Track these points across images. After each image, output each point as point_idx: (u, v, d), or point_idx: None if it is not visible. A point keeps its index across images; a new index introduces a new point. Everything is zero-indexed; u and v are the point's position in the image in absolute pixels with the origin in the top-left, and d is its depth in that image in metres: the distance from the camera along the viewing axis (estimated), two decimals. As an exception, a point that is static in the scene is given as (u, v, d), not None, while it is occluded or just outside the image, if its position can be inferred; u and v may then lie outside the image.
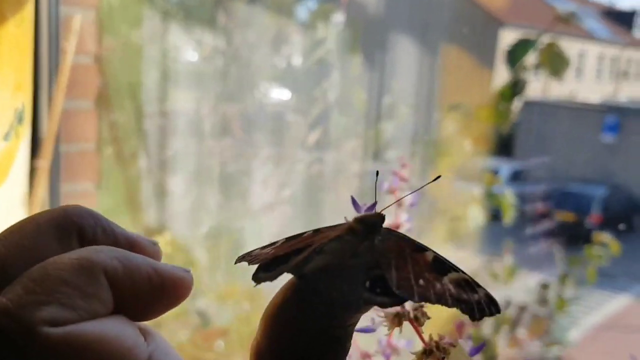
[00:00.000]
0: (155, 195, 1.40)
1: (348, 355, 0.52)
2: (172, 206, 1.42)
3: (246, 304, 1.34)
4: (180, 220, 1.42)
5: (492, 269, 1.73)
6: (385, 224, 0.41)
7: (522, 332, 1.94)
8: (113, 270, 0.24)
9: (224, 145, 1.48)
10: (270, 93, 1.54)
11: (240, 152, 1.49)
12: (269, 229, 1.46)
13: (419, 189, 0.36)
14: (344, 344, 0.28)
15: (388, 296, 0.25)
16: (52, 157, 1.04)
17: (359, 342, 0.47)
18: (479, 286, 0.26)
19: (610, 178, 4.16)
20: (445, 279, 0.26)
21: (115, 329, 0.23)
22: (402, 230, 0.41)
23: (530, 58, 1.21)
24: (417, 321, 0.31)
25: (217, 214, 1.43)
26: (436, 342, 0.30)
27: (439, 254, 0.27)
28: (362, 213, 0.31)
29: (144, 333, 0.25)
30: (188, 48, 1.48)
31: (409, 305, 0.31)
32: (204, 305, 1.28)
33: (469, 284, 0.26)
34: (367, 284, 0.26)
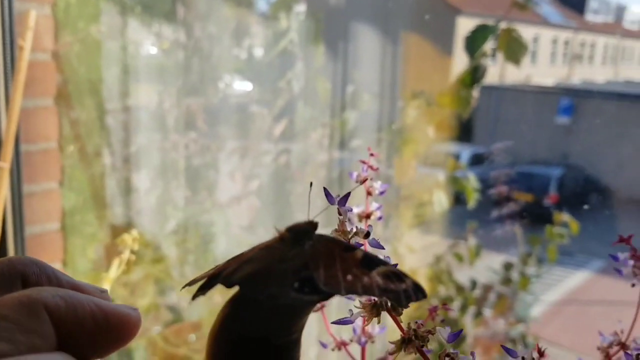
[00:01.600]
0: (121, 191, 1.38)
1: (326, 345, 0.52)
2: (138, 202, 1.40)
3: (217, 297, 1.33)
4: (146, 216, 1.41)
5: (457, 251, 1.76)
6: (356, 212, 0.42)
7: (487, 312, 1.99)
8: (55, 307, 0.24)
9: (188, 139, 1.47)
10: (234, 85, 1.54)
11: (206, 145, 1.48)
12: (237, 221, 1.46)
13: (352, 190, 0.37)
14: (291, 354, 0.28)
15: (316, 294, 0.26)
16: (13, 157, 1.01)
17: (334, 331, 0.48)
18: (407, 276, 0.27)
19: (566, 159, 4.27)
20: (374, 273, 0.27)
21: None
22: (372, 218, 0.42)
23: (489, 44, 1.24)
24: (395, 311, 0.32)
25: (184, 209, 1.43)
26: (415, 331, 0.31)
27: (369, 252, 0.29)
28: (334, 203, 0.33)
29: None
30: (148, 42, 1.46)
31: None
32: (175, 300, 1.27)
33: (396, 275, 0.27)
34: (296, 284, 0.26)
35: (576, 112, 4.35)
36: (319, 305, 0.53)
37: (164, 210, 1.43)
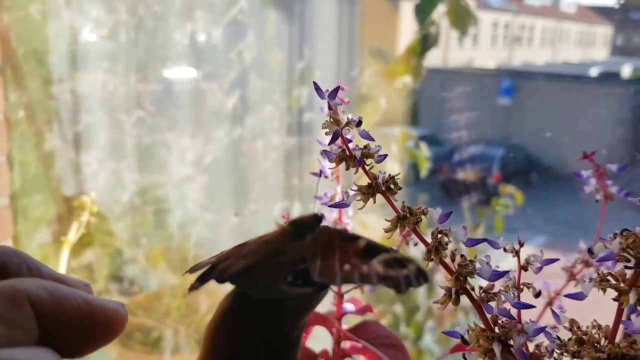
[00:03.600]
0: (70, 170, 1.35)
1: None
2: (89, 180, 1.38)
3: (173, 273, 1.33)
4: (98, 194, 1.38)
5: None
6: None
7: (438, 282, 2.03)
8: (38, 299, 0.22)
9: (137, 117, 1.45)
10: (182, 62, 1.51)
11: (155, 123, 1.46)
12: (192, 196, 1.45)
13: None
14: (291, 353, 0.27)
15: (310, 286, 0.25)
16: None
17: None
18: (410, 261, 0.27)
19: (508, 138, 4.39)
20: (374, 261, 0.26)
21: (37, 358, 0.21)
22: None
23: (438, 13, 1.26)
24: (390, 191, 0.33)
25: (136, 185, 1.41)
26: (409, 208, 0.32)
27: (372, 241, 0.28)
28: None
29: None
30: (92, 21, 1.42)
31: (380, 177, 0.33)
32: (131, 273, 1.26)
33: (398, 261, 0.26)
34: (290, 277, 0.26)
35: (517, 93, 4.48)
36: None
37: (116, 188, 1.41)
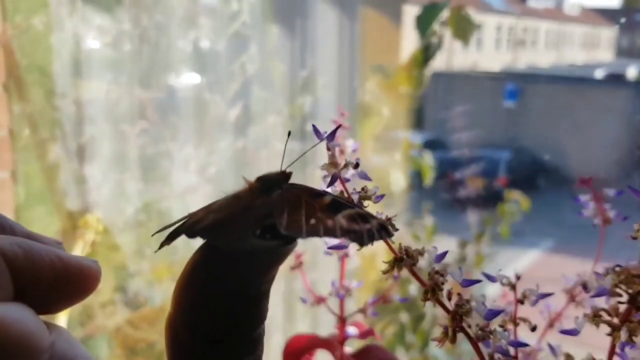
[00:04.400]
0: (74, 182, 1.36)
1: (305, 300, 0.53)
2: (92, 193, 1.38)
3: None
4: (102, 207, 1.39)
5: (414, 230, 1.79)
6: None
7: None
8: (13, 255, 0.23)
9: (140, 129, 1.45)
10: (185, 72, 1.52)
11: (159, 134, 1.47)
12: (196, 208, 1.45)
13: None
14: (259, 304, 0.27)
15: (277, 239, 0.26)
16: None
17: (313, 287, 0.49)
18: (374, 217, 0.27)
19: (513, 142, 4.38)
20: (339, 216, 0.27)
21: (15, 313, 0.22)
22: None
23: (439, 23, 1.26)
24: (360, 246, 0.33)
25: (139, 197, 1.41)
26: (406, 250, 0.32)
27: (338, 197, 0.29)
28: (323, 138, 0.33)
29: (47, 324, 0.24)
30: (95, 32, 1.43)
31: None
32: (136, 287, 1.26)
33: (362, 216, 0.27)
34: (258, 231, 0.26)
35: (522, 96, 4.47)
36: (297, 262, 0.54)
37: (120, 200, 1.41)
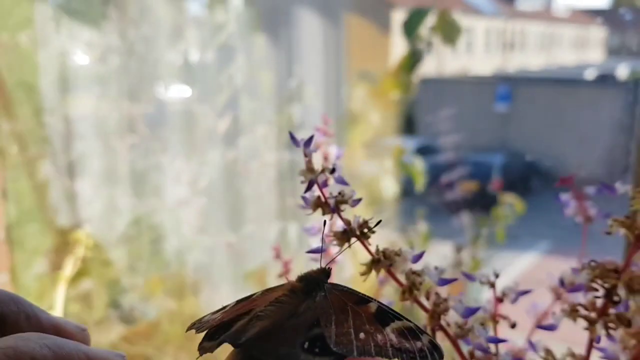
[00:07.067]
0: (65, 199, 1.35)
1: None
2: (84, 209, 1.38)
3: (171, 301, 1.33)
4: (94, 223, 1.38)
5: (407, 237, 1.79)
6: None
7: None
8: (42, 359, 0.22)
9: (130, 143, 1.45)
10: (174, 85, 1.52)
11: (149, 148, 1.46)
12: (188, 221, 1.45)
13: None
14: None
15: (327, 355, 0.25)
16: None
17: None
18: (423, 332, 0.26)
19: (506, 145, 4.39)
20: (388, 329, 0.26)
21: None
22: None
23: (425, 28, 1.26)
24: (364, 236, 0.33)
25: (132, 212, 1.41)
26: (383, 252, 0.32)
27: (383, 304, 0.28)
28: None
29: None
30: (82, 47, 1.43)
31: (354, 222, 0.33)
32: (129, 302, 1.25)
33: (412, 331, 0.26)
34: (305, 344, 0.25)
35: (513, 99, 4.49)
36: (285, 269, 0.54)
37: (111, 215, 1.41)
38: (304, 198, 0.34)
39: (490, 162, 4.16)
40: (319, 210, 0.46)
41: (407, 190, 1.76)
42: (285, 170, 1.49)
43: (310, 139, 0.33)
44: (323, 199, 0.33)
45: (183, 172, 1.48)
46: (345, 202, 0.34)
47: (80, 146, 1.39)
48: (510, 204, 2.14)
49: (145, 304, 1.28)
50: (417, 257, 0.32)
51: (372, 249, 0.33)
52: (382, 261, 0.32)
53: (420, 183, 1.49)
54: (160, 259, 1.35)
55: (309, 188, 0.34)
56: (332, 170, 0.34)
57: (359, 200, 0.33)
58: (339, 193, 0.34)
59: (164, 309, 1.27)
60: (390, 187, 1.50)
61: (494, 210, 2.08)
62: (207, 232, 1.48)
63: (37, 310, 0.26)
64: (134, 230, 1.35)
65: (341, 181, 0.34)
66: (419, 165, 1.44)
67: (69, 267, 0.76)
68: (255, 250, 1.47)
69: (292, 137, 0.33)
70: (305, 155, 0.34)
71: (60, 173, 1.36)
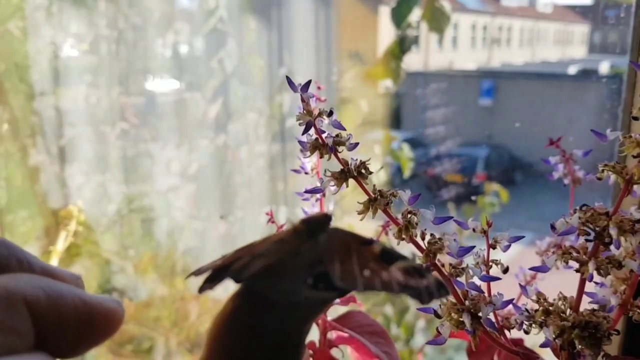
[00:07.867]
0: (56, 184, 1.36)
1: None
2: (74, 194, 1.38)
3: (162, 283, 1.34)
4: (85, 208, 1.39)
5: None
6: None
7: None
8: (35, 300, 0.21)
9: (121, 129, 1.46)
10: (164, 72, 1.52)
11: (139, 134, 1.47)
12: (178, 205, 1.46)
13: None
14: (300, 350, 0.26)
15: (331, 290, 0.25)
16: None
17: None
18: (428, 271, 0.26)
19: (491, 139, 4.43)
20: (393, 268, 0.26)
21: None
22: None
23: (415, 16, 1.28)
24: (361, 176, 0.35)
25: (122, 195, 1.41)
26: (380, 191, 0.34)
27: (387, 246, 0.27)
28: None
29: None
30: (73, 36, 1.43)
31: (352, 163, 0.35)
32: (121, 283, 1.27)
33: (417, 270, 0.26)
34: (310, 281, 0.25)
35: (498, 93, 4.53)
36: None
37: (102, 200, 1.41)
38: (300, 142, 0.35)
39: (475, 156, 4.18)
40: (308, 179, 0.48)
41: (393, 182, 1.77)
42: (276, 156, 1.51)
43: (308, 83, 0.35)
44: (321, 141, 0.34)
45: (173, 158, 1.49)
46: (342, 143, 0.34)
47: (70, 132, 1.40)
48: (496, 192, 2.17)
49: (136, 285, 1.29)
50: (414, 199, 0.34)
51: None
52: (379, 200, 0.33)
53: (408, 169, 1.50)
54: (151, 240, 1.36)
55: (306, 130, 0.35)
56: (330, 113, 0.35)
57: (357, 144, 0.35)
58: (337, 135, 0.35)
59: (155, 290, 1.28)
60: (378, 175, 1.52)
61: (480, 198, 2.10)
62: (197, 217, 1.49)
63: (29, 255, 0.24)
64: (124, 210, 1.36)
65: (338, 125, 0.35)
66: (407, 152, 1.46)
67: (61, 242, 0.77)
68: (246, 234, 1.48)
69: (290, 82, 0.34)
70: (303, 100, 0.35)
71: (51, 159, 1.36)
